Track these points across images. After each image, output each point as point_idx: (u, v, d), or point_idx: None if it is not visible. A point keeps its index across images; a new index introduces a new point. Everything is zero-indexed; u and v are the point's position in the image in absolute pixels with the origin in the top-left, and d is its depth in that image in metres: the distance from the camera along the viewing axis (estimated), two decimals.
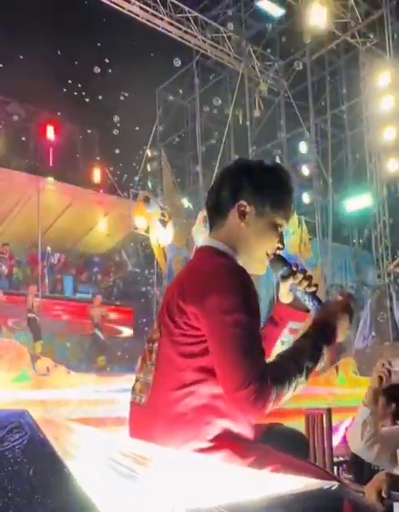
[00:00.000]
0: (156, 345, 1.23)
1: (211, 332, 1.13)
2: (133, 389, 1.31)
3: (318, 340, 1.18)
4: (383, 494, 1.42)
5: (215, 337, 1.12)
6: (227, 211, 1.28)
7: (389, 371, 1.77)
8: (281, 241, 1.31)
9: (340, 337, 1.23)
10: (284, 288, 1.36)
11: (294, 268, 1.32)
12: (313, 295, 1.30)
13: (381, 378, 1.77)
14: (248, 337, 1.11)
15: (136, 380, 1.30)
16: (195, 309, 1.14)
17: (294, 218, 8.78)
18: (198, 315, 1.14)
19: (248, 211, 1.27)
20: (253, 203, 1.27)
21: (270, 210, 1.28)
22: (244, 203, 1.26)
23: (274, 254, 1.31)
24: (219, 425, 1.17)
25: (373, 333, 8.28)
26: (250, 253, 1.29)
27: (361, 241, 12.45)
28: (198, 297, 1.14)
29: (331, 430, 2.55)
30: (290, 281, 1.33)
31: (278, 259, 1.32)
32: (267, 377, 1.06)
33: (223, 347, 1.10)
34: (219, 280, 1.15)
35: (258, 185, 1.27)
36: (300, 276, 1.31)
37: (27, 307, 8.82)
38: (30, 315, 8.78)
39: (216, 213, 1.31)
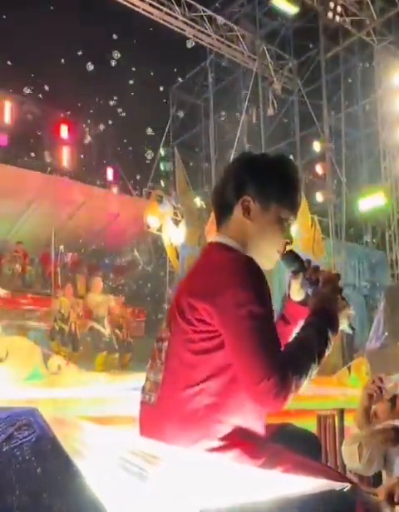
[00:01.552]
0: (166, 344, 1.22)
1: (227, 327, 1.11)
2: (143, 388, 1.30)
3: (323, 326, 1.17)
4: (395, 499, 1.40)
5: (232, 332, 1.11)
6: (232, 207, 1.26)
7: (380, 389, 1.65)
8: (288, 235, 1.29)
9: (342, 321, 1.21)
10: (296, 284, 1.33)
11: (306, 265, 1.29)
12: None
13: (371, 396, 1.66)
14: (265, 329, 1.10)
15: (147, 379, 1.29)
16: (207, 305, 1.12)
17: (308, 217, 8.72)
18: (210, 311, 1.12)
19: (252, 206, 1.24)
20: (258, 197, 1.24)
21: (275, 204, 1.25)
22: (248, 198, 1.24)
23: (288, 250, 1.29)
24: (230, 423, 1.15)
25: (386, 333, 8.18)
26: (258, 249, 1.26)
27: (374, 240, 12.32)
28: (209, 293, 1.12)
29: (343, 431, 2.52)
30: (301, 277, 1.30)
31: (291, 255, 1.29)
32: (287, 369, 1.06)
33: (241, 341, 1.09)
34: (229, 274, 1.13)
35: (261, 179, 1.25)
36: (312, 271, 1.28)
37: (56, 313, 7.58)
38: (64, 325, 7.51)
39: (222, 209, 1.29)
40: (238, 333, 1.09)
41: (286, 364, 1.07)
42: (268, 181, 1.25)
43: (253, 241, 1.25)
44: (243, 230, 1.25)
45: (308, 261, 1.30)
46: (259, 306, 1.10)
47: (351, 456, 1.81)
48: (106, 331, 7.80)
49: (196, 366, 1.15)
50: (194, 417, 1.14)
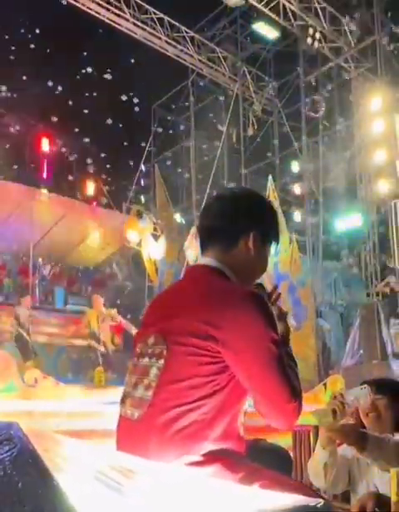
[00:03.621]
0: (161, 361, 1.22)
1: (252, 356, 1.20)
2: (123, 403, 1.30)
3: (289, 355, 1.32)
4: None
5: (259, 359, 1.20)
6: (238, 239, 1.37)
7: (342, 404, 1.65)
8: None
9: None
10: None
11: (274, 296, 1.42)
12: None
13: (334, 412, 1.64)
14: (283, 356, 1.23)
15: (127, 394, 1.29)
16: (228, 335, 1.19)
17: (286, 236, 8.85)
18: (230, 340, 1.19)
19: (258, 242, 1.38)
20: (263, 236, 1.39)
21: (269, 244, 1.42)
22: (259, 234, 1.38)
23: (257, 283, 1.44)
24: (215, 440, 1.19)
25: (361, 350, 8.29)
26: (249, 279, 1.39)
27: (350, 260, 12.54)
28: (232, 326, 1.20)
29: None
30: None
31: (261, 287, 1.42)
32: (301, 393, 1.21)
33: (270, 368, 1.20)
34: (251, 309, 1.23)
35: (267, 222, 1.42)
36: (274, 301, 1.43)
37: (14, 320, 7.93)
38: (19, 330, 7.91)
39: (222, 237, 1.38)
40: (266, 361, 1.20)
41: (300, 388, 1.22)
42: (271, 225, 1.44)
43: (249, 271, 1.38)
44: (244, 261, 1.36)
45: (272, 291, 1.44)
46: (277, 336, 1.24)
47: (316, 475, 1.81)
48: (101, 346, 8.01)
49: (198, 386, 1.18)
50: (183, 434, 1.16)
